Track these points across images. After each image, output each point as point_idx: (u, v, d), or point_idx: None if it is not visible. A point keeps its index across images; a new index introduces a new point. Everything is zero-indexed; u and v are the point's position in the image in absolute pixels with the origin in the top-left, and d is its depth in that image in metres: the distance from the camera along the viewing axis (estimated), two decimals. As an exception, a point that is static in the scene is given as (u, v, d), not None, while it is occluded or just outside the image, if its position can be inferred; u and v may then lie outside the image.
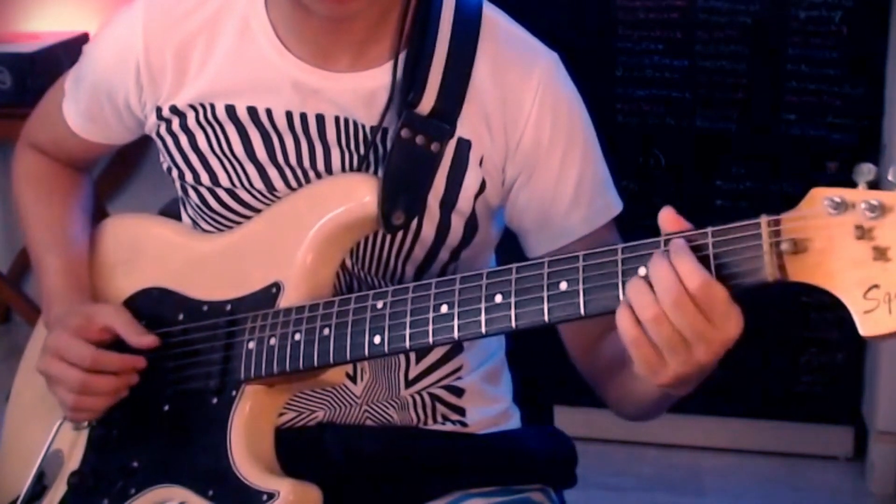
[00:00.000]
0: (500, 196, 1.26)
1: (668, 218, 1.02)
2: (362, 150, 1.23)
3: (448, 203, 1.24)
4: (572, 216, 1.25)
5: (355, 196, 1.21)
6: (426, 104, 1.20)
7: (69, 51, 2.89)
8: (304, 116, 1.24)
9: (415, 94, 1.19)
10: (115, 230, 1.43)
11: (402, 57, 1.22)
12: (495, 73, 1.22)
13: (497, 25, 1.25)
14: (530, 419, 1.44)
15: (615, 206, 1.28)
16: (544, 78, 1.23)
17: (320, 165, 1.25)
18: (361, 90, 1.22)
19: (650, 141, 2.67)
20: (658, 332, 0.99)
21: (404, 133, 1.19)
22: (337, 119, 1.23)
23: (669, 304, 0.97)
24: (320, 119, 1.24)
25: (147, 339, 1.28)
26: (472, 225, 1.27)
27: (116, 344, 1.29)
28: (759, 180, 2.64)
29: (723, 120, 2.63)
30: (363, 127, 1.23)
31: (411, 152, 1.19)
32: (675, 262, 0.98)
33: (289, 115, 1.24)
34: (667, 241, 1.01)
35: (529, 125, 1.22)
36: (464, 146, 1.22)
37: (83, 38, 2.99)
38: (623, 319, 1.01)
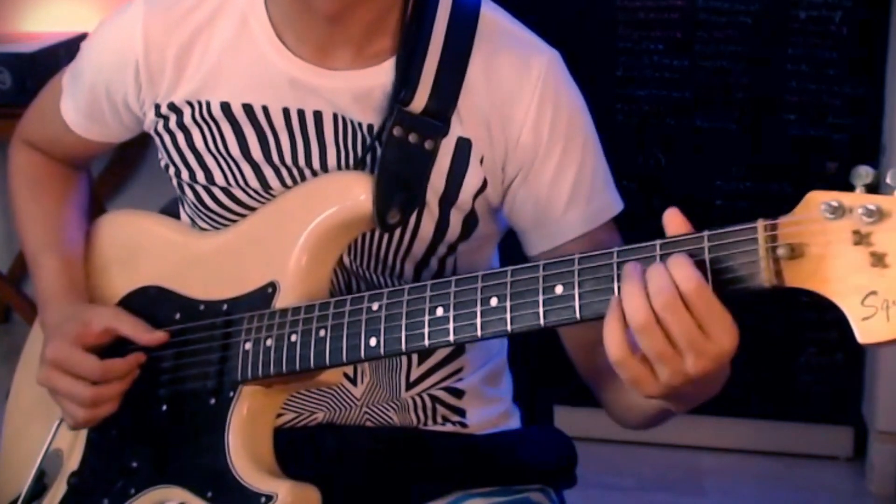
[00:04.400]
0: (500, 195, 1.25)
1: (673, 220, 1.01)
2: (359, 149, 1.23)
3: (448, 200, 1.24)
4: (569, 215, 1.23)
5: (350, 195, 1.20)
6: (418, 102, 1.19)
7: (69, 51, 2.88)
8: (301, 113, 1.23)
9: (406, 92, 1.19)
10: (111, 228, 1.42)
11: (395, 56, 1.21)
12: (491, 71, 1.21)
13: (495, 24, 1.24)
14: (530, 419, 1.44)
15: (615, 205, 1.27)
16: (543, 75, 1.22)
17: (316, 164, 1.25)
18: (358, 89, 1.21)
19: (650, 141, 2.67)
20: (648, 339, 0.97)
21: (396, 131, 1.19)
22: (335, 117, 1.23)
23: (661, 306, 0.95)
24: (318, 116, 1.23)
25: (157, 336, 1.27)
26: (471, 220, 1.26)
27: (114, 344, 1.29)
28: (759, 180, 2.64)
29: (723, 120, 2.63)
30: (359, 125, 1.23)
31: (404, 150, 1.19)
32: (670, 264, 0.97)
33: (286, 112, 1.24)
34: (663, 245, 1.00)
35: (528, 122, 1.21)
36: (464, 145, 1.22)
37: (83, 38, 2.95)
38: (610, 333, 0.98)
